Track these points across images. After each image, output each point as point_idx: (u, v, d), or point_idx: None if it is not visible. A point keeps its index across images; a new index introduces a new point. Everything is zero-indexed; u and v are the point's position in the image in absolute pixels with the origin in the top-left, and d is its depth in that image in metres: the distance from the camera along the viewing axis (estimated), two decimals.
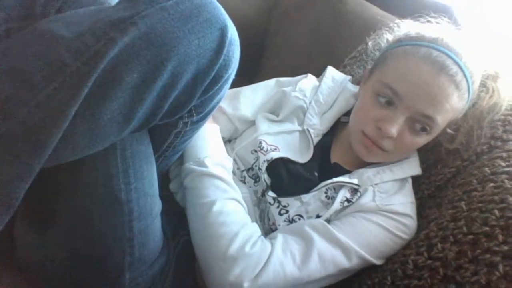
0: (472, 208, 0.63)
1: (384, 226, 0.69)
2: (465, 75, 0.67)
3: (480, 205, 0.62)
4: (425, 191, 0.78)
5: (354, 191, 0.73)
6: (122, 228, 0.58)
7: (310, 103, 0.83)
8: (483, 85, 0.75)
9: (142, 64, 0.48)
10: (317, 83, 0.87)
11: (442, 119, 0.69)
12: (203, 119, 0.65)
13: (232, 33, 0.55)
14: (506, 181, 0.62)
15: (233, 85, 0.85)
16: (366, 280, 0.70)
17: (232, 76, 0.60)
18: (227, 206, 0.68)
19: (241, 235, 0.65)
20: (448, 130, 0.73)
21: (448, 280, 0.58)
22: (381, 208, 0.70)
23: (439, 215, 0.68)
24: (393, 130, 0.68)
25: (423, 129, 0.69)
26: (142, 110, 0.52)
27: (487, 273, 0.55)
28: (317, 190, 0.72)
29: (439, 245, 0.62)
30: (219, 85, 0.58)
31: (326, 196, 0.73)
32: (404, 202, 0.72)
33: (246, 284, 0.61)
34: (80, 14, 0.50)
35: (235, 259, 0.62)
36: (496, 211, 0.59)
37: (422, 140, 0.71)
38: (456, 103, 0.68)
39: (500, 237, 0.56)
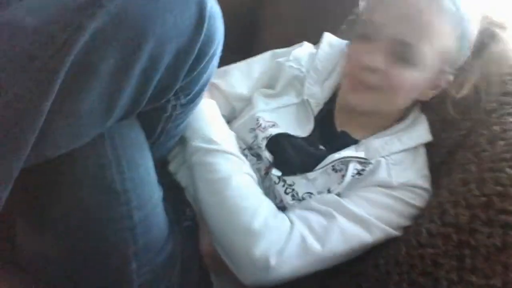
0: (483, 169, 0.59)
1: (401, 199, 0.67)
2: (454, 3, 0.63)
3: (490, 165, 0.59)
4: (436, 158, 0.74)
5: (365, 162, 0.70)
6: (121, 218, 0.57)
7: (308, 71, 0.79)
8: (489, 32, 0.69)
9: (116, 49, 0.45)
10: (314, 51, 0.83)
11: (428, 50, 0.64)
12: (192, 101, 0.62)
13: (212, 5, 0.51)
14: None
15: (229, 63, 0.83)
16: (381, 253, 0.68)
17: (218, 52, 0.58)
18: (244, 180, 0.66)
19: (263, 208, 0.64)
20: (448, 69, 0.68)
21: (462, 246, 0.56)
22: (397, 183, 0.67)
23: (450, 181, 0.65)
24: (372, 59, 0.65)
25: (407, 60, 0.64)
26: (124, 98, 0.49)
27: (502, 234, 0.52)
28: (323, 167, 0.69)
29: (452, 211, 0.60)
30: (204, 63, 0.55)
31: (333, 169, 0.70)
32: (420, 175, 0.69)
33: (272, 259, 0.60)
34: (44, 0, 0.47)
35: (260, 233, 0.61)
36: (508, 169, 0.56)
37: (410, 73, 0.65)
38: (443, 33, 0.64)
39: None
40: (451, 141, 0.73)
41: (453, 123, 0.73)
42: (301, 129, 0.75)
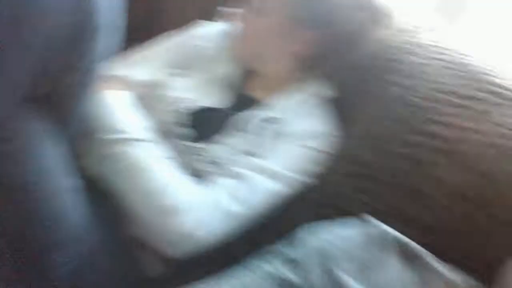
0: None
1: (310, 147, 0.72)
2: None
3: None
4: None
5: (271, 118, 0.74)
6: (28, 212, 0.55)
7: (219, 48, 0.82)
8: None
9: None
10: (218, 28, 0.85)
11: None
12: (90, 80, 0.60)
13: None
14: None
15: (130, 46, 0.81)
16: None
17: (105, 26, 0.56)
18: (160, 163, 0.67)
19: (183, 186, 0.65)
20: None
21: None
22: (303, 132, 0.72)
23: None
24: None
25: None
26: (9, 84, 0.48)
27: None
28: (234, 130, 0.73)
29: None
30: (90, 38, 0.53)
31: (244, 131, 0.73)
32: (324, 122, 0.75)
33: (195, 231, 0.62)
34: None
35: (177, 209, 0.62)
36: None
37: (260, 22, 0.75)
38: None
39: None
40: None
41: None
42: (216, 100, 0.77)
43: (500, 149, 0.60)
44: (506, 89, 0.66)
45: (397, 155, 0.66)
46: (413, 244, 0.56)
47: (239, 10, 0.77)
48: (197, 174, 0.71)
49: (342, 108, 0.79)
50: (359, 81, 0.80)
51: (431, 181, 0.62)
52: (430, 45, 0.78)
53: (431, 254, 0.55)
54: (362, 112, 0.77)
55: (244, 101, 0.78)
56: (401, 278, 0.53)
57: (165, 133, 0.76)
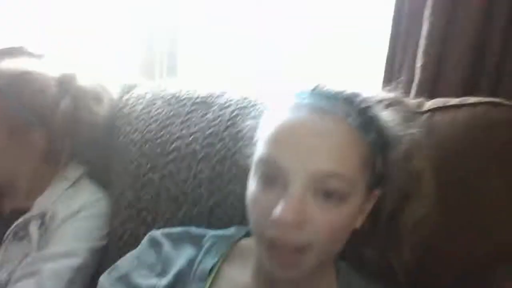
0: None
1: (89, 216, 0.80)
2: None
3: None
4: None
5: (42, 215, 0.78)
6: None
7: None
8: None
9: None
10: None
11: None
12: None
13: None
14: None
15: None
16: None
17: None
18: None
19: None
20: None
21: None
22: (77, 208, 0.79)
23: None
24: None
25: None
26: None
27: None
28: (9, 238, 0.77)
29: None
30: None
31: (20, 237, 0.77)
32: (91, 193, 0.84)
33: None
34: None
35: None
36: None
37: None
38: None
39: None
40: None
41: None
42: None
43: None
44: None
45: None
46: None
47: None
48: None
49: (101, 175, 0.88)
50: (102, 149, 0.88)
51: None
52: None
53: None
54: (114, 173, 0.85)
55: (13, 215, 0.80)
56: None
57: None
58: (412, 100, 0.72)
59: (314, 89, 0.53)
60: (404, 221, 0.56)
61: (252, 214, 0.53)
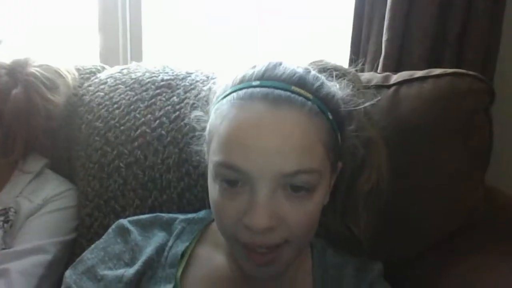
0: None
1: (55, 209, 0.76)
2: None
3: None
4: None
5: (5, 211, 0.73)
6: None
7: None
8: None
9: None
10: None
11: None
12: None
13: None
14: None
15: None
16: None
17: None
18: None
19: None
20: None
21: None
22: (42, 201, 0.75)
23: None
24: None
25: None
26: None
27: None
28: None
29: None
30: None
31: None
32: (57, 185, 0.79)
33: None
34: None
35: None
36: None
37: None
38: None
39: None
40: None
41: None
42: None
43: None
44: None
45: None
46: None
47: None
48: None
49: (65, 166, 0.84)
50: (63, 139, 0.83)
51: None
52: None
53: None
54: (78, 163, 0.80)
55: None
56: None
57: None
58: (378, 74, 0.73)
59: (264, 74, 0.50)
60: (359, 188, 0.57)
61: (219, 219, 0.50)
